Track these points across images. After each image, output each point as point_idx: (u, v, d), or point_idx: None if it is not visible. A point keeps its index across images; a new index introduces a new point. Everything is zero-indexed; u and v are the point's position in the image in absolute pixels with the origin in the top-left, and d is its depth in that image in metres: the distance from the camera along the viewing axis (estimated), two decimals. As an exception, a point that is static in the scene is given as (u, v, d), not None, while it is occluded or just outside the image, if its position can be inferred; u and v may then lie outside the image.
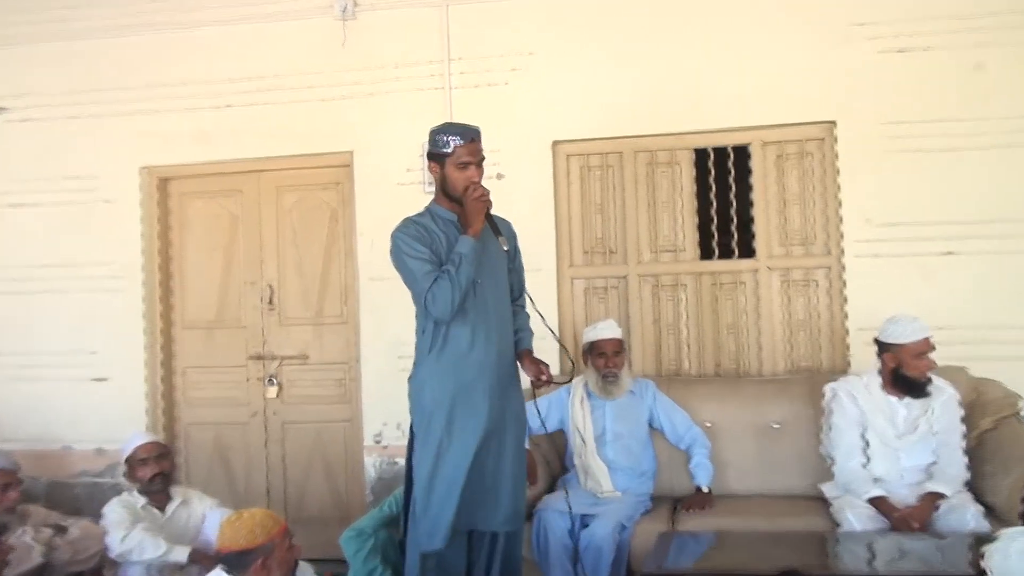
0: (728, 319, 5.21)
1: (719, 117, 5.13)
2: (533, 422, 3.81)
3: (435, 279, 3.38)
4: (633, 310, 5.28)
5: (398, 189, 5.39)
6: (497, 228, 3.48)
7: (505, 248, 3.48)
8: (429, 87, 5.40)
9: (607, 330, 4.59)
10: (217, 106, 5.67)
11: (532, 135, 5.31)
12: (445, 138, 3.45)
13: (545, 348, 3.66)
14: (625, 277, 5.30)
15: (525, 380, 3.64)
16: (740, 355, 5.19)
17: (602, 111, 5.23)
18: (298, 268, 5.76)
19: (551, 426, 4.59)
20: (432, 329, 3.47)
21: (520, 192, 5.21)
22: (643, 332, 5.27)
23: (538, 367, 3.51)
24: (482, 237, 3.45)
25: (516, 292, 3.77)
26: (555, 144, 5.33)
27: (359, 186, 5.50)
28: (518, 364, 3.64)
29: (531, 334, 3.74)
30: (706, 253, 5.25)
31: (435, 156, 3.50)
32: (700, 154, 5.27)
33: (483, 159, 3.51)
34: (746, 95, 5.09)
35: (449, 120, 4.87)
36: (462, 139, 3.43)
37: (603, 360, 4.53)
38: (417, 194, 5.21)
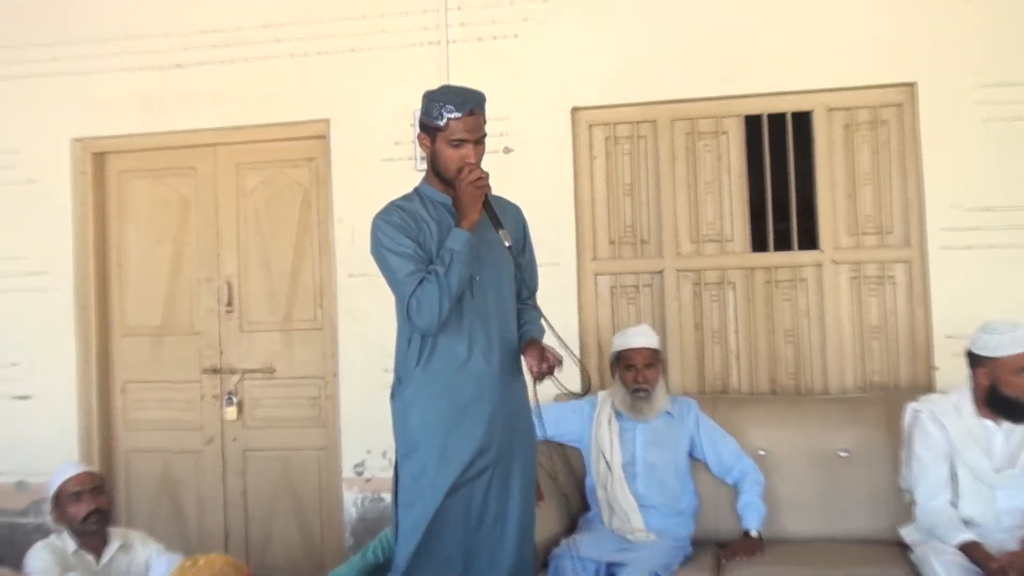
0: (786, 324, 5.20)
1: (774, 78, 5.12)
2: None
3: (420, 281, 3.36)
4: (670, 313, 5.27)
5: (384, 166, 5.40)
6: (498, 219, 3.44)
7: (507, 244, 3.44)
8: (422, 41, 5.40)
9: (639, 337, 4.57)
10: (164, 65, 5.67)
11: (547, 100, 5.30)
12: (438, 107, 3.42)
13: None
14: (660, 273, 5.30)
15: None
16: (800, 368, 5.18)
17: (633, 70, 5.20)
18: (263, 262, 5.77)
19: (566, 437, 4.64)
20: (419, 338, 3.46)
21: (532, 169, 5.21)
22: (682, 340, 5.26)
23: (542, 353, 3.42)
24: (481, 226, 3.43)
25: (526, 293, 3.75)
26: (575, 111, 5.32)
27: (337, 163, 5.51)
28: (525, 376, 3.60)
29: (542, 329, 3.67)
30: (759, 244, 5.25)
31: (426, 127, 3.47)
32: (752, 123, 5.24)
33: (484, 136, 3.48)
34: (807, 50, 5.07)
35: (446, 82, 4.92)
36: (458, 110, 3.40)
37: (632, 373, 4.52)
38: (407, 172, 5.23)
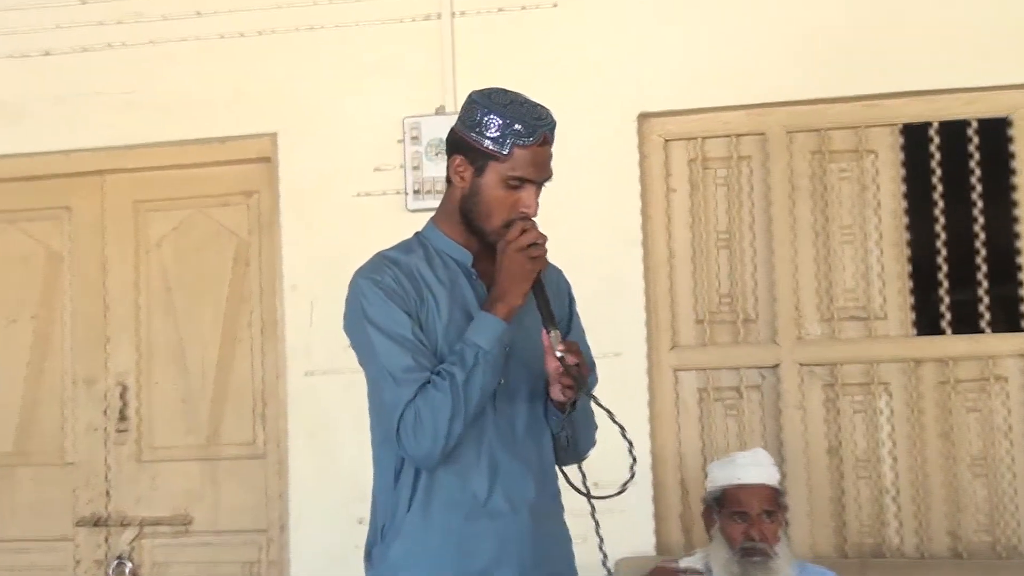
0: (973, 448, 5.12)
1: (948, 69, 5.11)
2: None
3: (422, 385, 3.14)
4: (790, 430, 5.19)
5: (359, 205, 5.42)
6: (551, 313, 3.27)
7: (558, 354, 3.22)
8: (415, 14, 5.45)
9: (754, 470, 4.30)
10: (24, 53, 5.71)
11: (602, 102, 5.29)
12: (502, 125, 3.23)
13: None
14: (774, 368, 5.26)
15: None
16: (997, 517, 5.09)
17: (730, 58, 5.24)
18: (175, 354, 5.76)
19: None
20: (413, 468, 3.29)
21: (578, 208, 5.15)
22: (809, 472, 5.20)
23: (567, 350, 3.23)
24: (523, 310, 3.28)
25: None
26: (643, 118, 5.33)
27: (288, 199, 5.55)
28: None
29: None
30: (927, 323, 5.25)
31: (472, 149, 3.27)
32: (912, 136, 5.22)
33: (550, 177, 3.32)
34: (1000, 27, 5.07)
35: (450, 74, 5.17)
36: (528, 135, 3.22)
37: (744, 525, 4.23)
38: (394, 212, 5.28)
